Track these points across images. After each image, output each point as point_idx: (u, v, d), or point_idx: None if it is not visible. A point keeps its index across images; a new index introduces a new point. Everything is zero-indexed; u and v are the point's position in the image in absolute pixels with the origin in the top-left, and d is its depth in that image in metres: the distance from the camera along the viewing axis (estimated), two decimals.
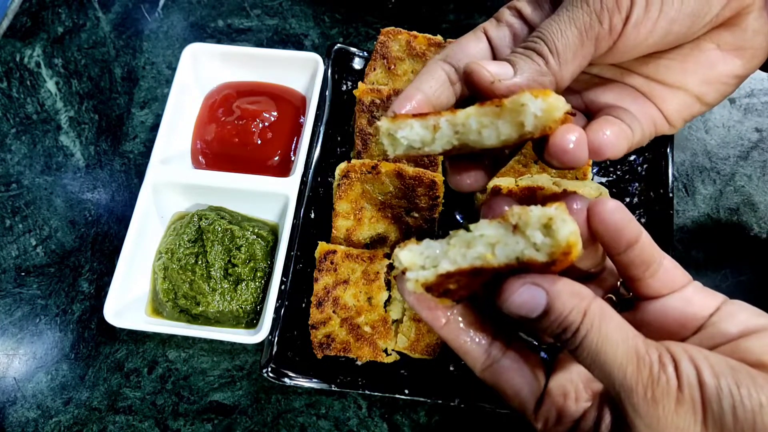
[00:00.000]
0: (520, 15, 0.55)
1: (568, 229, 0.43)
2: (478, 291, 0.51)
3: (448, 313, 0.53)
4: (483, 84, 0.49)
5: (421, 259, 0.49)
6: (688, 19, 0.49)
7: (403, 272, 0.49)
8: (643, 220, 0.87)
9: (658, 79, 0.56)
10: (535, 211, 0.45)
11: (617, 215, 0.48)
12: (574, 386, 0.51)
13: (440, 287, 0.49)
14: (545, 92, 0.46)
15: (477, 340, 0.53)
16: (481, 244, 0.47)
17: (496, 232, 0.47)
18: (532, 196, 0.78)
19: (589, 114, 0.59)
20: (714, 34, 0.53)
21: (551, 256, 0.44)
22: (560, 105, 0.46)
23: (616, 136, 0.53)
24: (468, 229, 0.48)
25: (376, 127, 0.51)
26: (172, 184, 0.92)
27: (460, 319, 0.53)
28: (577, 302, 0.45)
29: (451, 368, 0.82)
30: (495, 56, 0.56)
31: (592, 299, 0.46)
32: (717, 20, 0.51)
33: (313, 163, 0.92)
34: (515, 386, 0.52)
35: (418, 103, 0.55)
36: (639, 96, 0.57)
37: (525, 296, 0.46)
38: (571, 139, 0.48)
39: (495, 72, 0.49)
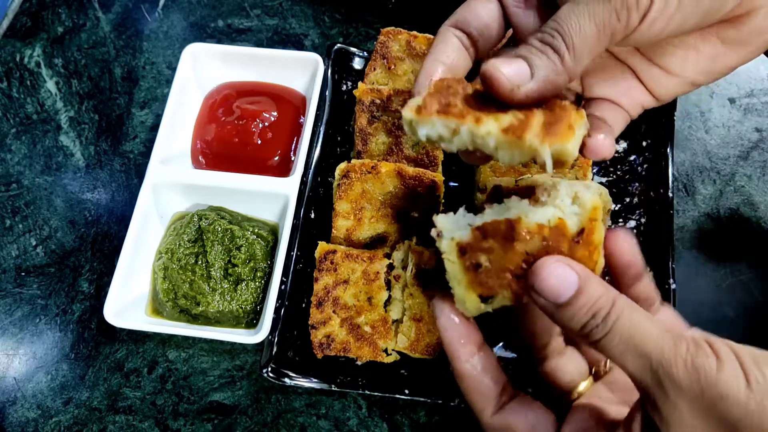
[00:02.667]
0: None
1: (592, 192, 0.49)
2: (511, 286, 0.50)
3: (470, 355, 0.54)
4: (503, 92, 0.49)
5: (456, 227, 0.52)
6: (701, 16, 0.49)
7: (439, 235, 0.52)
8: (643, 220, 0.87)
9: (659, 64, 0.56)
10: (563, 189, 0.50)
11: (627, 243, 0.52)
12: (591, 424, 0.52)
13: (474, 254, 0.50)
14: (564, 138, 0.47)
15: (491, 384, 0.54)
16: (515, 209, 0.50)
17: (528, 206, 0.50)
18: None
19: (580, 97, 0.61)
20: (720, 28, 0.53)
21: (581, 222, 0.48)
22: (574, 154, 0.49)
23: (609, 142, 0.56)
24: (501, 202, 0.52)
25: (402, 115, 0.52)
26: (172, 184, 0.92)
27: (479, 361, 0.54)
28: (605, 290, 0.46)
29: (451, 368, 0.82)
30: (507, 19, 0.56)
31: (618, 293, 0.47)
32: (726, 16, 0.51)
33: (313, 163, 0.92)
34: (530, 422, 0.53)
35: (440, 76, 0.56)
36: (633, 81, 0.58)
37: (559, 275, 0.46)
38: (600, 137, 0.53)
39: (512, 77, 0.48)
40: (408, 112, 0.51)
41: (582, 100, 0.60)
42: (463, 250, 0.51)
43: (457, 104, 0.50)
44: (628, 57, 0.57)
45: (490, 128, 0.48)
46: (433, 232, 0.53)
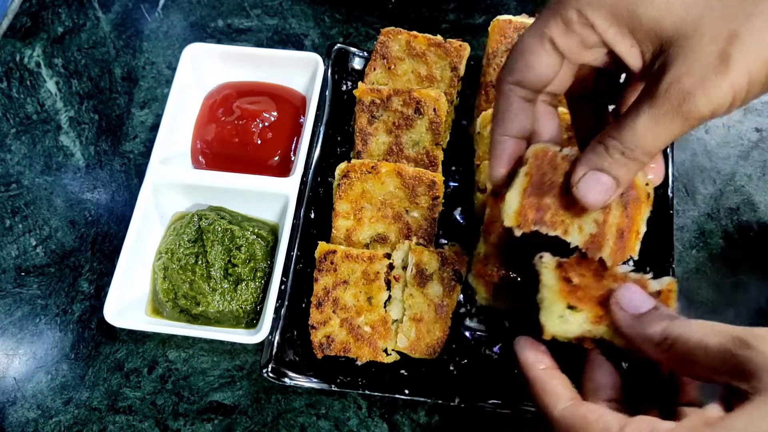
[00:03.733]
0: (587, 22, 0.51)
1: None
2: (593, 308, 0.60)
3: (543, 364, 0.60)
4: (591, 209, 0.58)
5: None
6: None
7: (541, 256, 0.62)
8: None
9: None
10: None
11: None
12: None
13: (569, 270, 0.60)
14: (631, 250, 0.62)
15: (561, 386, 0.58)
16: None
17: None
18: None
19: None
20: None
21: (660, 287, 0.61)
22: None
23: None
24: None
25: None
26: (172, 184, 0.92)
27: (551, 371, 0.59)
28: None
29: (451, 368, 0.82)
30: (563, 67, 0.56)
31: None
32: None
33: (313, 163, 0.92)
34: (600, 412, 0.54)
35: (513, 151, 0.60)
36: None
37: (641, 293, 0.56)
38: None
39: (601, 201, 0.56)
40: (508, 221, 0.60)
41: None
42: (560, 264, 0.61)
43: (550, 207, 0.59)
44: None
45: (574, 240, 0.59)
46: (538, 257, 0.62)
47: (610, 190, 0.55)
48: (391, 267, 0.82)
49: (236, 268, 0.87)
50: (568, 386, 0.57)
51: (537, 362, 0.59)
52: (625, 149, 0.52)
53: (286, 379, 0.80)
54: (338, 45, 0.99)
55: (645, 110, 0.49)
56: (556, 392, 0.56)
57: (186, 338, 0.88)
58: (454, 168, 0.93)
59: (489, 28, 0.90)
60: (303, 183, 0.90)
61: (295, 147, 0.96)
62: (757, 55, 0.46)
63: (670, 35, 0.48)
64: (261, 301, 0.87)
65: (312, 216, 0.90)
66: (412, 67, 0.93)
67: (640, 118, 0.50)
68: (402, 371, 0.82)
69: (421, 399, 0.79)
